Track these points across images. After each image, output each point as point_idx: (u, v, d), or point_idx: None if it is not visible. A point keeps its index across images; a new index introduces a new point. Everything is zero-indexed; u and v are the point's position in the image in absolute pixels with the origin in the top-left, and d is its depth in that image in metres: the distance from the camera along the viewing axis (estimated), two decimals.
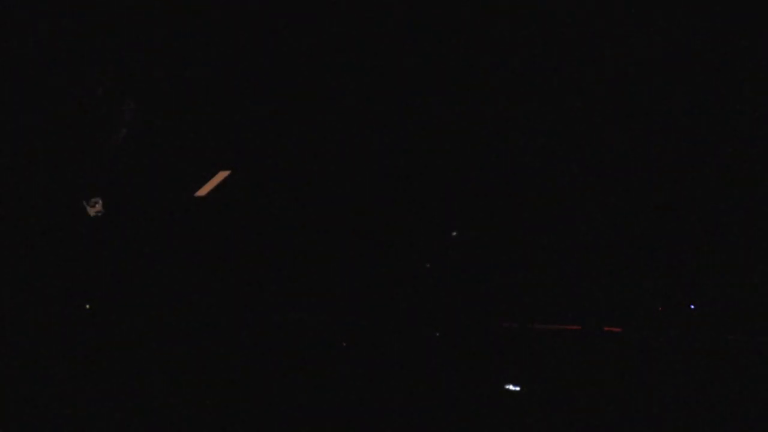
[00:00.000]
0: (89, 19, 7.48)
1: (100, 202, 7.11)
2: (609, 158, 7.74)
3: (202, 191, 7.58)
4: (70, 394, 6.36)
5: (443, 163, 7.79)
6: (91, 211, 7.09)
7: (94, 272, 7.21)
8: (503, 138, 7.79)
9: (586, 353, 7.17)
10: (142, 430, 6.16)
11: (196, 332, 7.17)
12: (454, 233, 7.58)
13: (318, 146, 7.79)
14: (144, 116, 7.55)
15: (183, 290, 7.39)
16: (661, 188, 7.69)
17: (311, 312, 7.44)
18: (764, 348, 7.12)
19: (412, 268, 7.61)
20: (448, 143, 7.80)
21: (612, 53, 7.71)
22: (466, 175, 7.78)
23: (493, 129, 7.80)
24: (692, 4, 7.65)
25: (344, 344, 7.24)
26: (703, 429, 6.38)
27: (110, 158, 7.18)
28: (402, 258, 7.63)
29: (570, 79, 7.74)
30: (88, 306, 7.06)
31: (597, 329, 7.39)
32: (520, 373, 6.92)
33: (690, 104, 7.68)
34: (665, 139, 7.72)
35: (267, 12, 7.80)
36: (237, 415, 6.32)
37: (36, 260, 7.14)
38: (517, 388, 6.80)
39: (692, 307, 7.46)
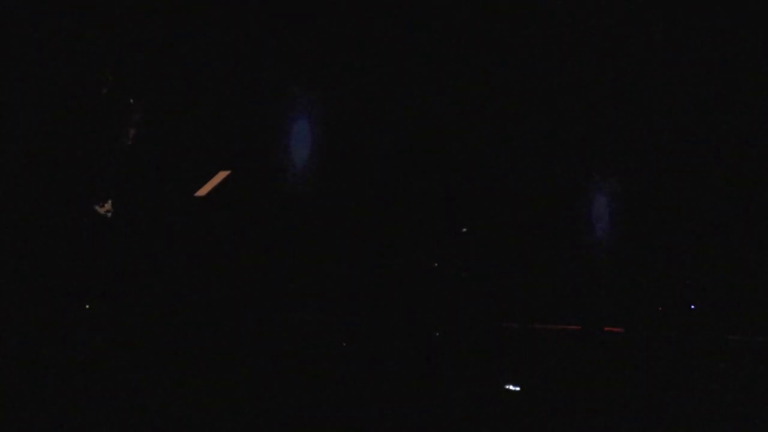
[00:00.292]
0: (89, 19, 7.49)
1: (110, 201, 7.12)
2: (609, 159, 7.74)
3: (202, 191, 7.58)
4: (70, 394, 6.36)
5: (444, 164, 7.79)
6: (101, 210, 7.10)
7: (94, 272, 7.21)
8: (503, 139, 7.80)
9: (586, 353, 7.17)
10: (142, 430, 6.16)
11: (197, 332, 7.17)
12: (464, 229, 7.58)
13: (318, 146, 7.79)
14: (144, 117, 7.55)
15: (183, 290, 7.38)
16: (662, 189, 7.69)
17: (311, 312, 7.44)
18: (764, 348, 7.12)
19: (412, 269, 7.61)
20: (448, 144, 7.80)
21: (612, 53, 7.72)
22: (467, 176, 7.78)
23: (494, 130, 7.80)
24: (692, 4, 7.65)
25: (344, 344, 7.24)
26: (703, 429, 6.38)
27: (119, 159, 7.19)
28: (402, 258, 7.64)
29: (571, 79, 7.74)
30: (87, 306, 7.06)
31: (597, 329, 7.39)
32: (520, 373, 6.92)
33: (690, 104, 7.68)
34: (665, 140, 7.72)
35: (267, 12, 7.80)
36: (237, 415, 6.31)
37: (36, 260, 7.14)
38: (517, 388, 6.80)
39: (692, 307, 7.46)
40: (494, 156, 7.78)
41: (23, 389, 6.30)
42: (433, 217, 7.73)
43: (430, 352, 7.21)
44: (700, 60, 7.65)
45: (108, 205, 7.15)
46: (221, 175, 7.61)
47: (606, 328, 7.40)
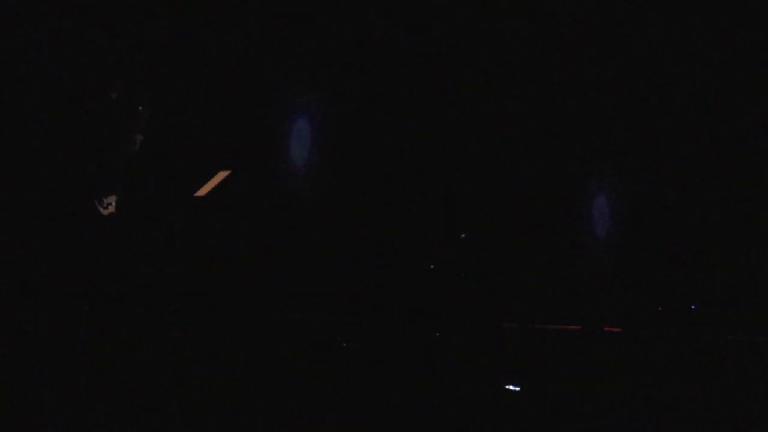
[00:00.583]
0: (89, 19, 7.49)
1: (113, 202, 7.12)
2: (610, 159, 7.75)
3: (202, 191, 7.59)
4: (70, 394, 6.36)
5: (443, 165, 7.80)
6: (101, 210, 7.10)
7: (94, 272, 7.21)
8: (504, 140, 7.80)
9: (586, 353, 7.17)
10: (143, 430, 6.16)
11: (196, 332, 7.17)
12: (463, 235, 7.58)
13: (318, 146, 7.80)
14: (144, 117, 7.56)
15: (183, 289, 7.39)
16: (662, 189, 7.69)
17: (311, 312, 7.44)
18: (764, 348, 7.12)
19: (412, 269, 7.61)
20: (448, 145, 7.80)
21: (612, 53, 7.72)
22: (467, 176, 7.78)
23: (494, 131, 7.80)
24: (692, 4, 7.66)
25: (344, 344, 7.24)
26: (704, 429, 6.38)
27: (119, 159, 7.19)
28: (402, 259, 7.64)
29: (572, 79, 7.74)
30: (87, 306, 7.07)
31: (597, 329, 7.39)
32: (520, 373, 6.92)
33: (690, 105, 7.69)
34: (665, 140, 7.72)
35: (267, 12, 7.80)
36: (237, 415, 6.31)
37: (36, 260, 7.15)
38: (517, 388, 6.80)
39: (692, 307, 7.46)
40: (494, 156, 7.79)
41: (23, 389, 6.30)
42: (433, 217, 7.73)
43: (430, 352, 7.21)
44: (700, 60, 7.66)
45: (109, 205, 7.15)
46: (221, 175, 7.62)
47: (606, 328, 7.40)
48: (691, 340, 7.24)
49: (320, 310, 7.45)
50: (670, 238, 7.62)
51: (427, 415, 6.31)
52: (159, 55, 7.65)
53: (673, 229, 7.64)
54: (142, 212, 7.49)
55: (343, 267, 7.61)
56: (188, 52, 7.73)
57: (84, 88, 7.31)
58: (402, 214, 7.73)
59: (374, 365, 7.04)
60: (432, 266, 7.60)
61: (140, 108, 7.04)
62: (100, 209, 7.03)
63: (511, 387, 6.83)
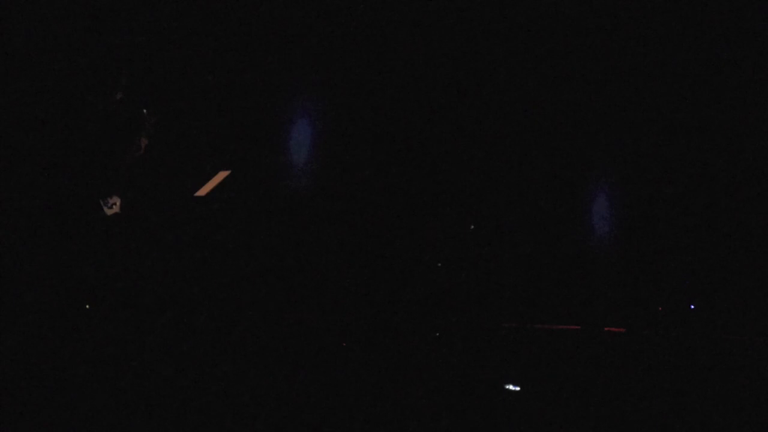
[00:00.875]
0: (90, 19, 7.49)
1: (118, 203, 7.13)
2: (610, 159, 7.74)
3: (202, 191, 7.59)
4: (70, 394, 6.36)
5: (444, 163, 7.79)
6: (109, 212, 7.11)
7: (94, 272, 7.21)
8: (504, 138, 7.79)
9: (586, 353, 7.17)
10: (143, 430, 6.16)
11: (197, 332, 7.17)
12: (472, 227, 7.58)
13: (318, 146, 7.79)
14: (144, 117, 7.56)
15: (183, 289, 7.38)
16: (662, 189, 7.69)
17: (312, 312, 7.44)
18: (764, 348, 7.12)
19: (412, 269, 7.61)
20: (448, 143, 7.80)
21: (612, 53, 7.72)
22: (467, 175, 7.78)
23: (494, 129, 7.80)
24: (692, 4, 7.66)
25: (344, 344, 7.24)
26: (704, 429, 6.38)
27: (119, 159, 7.20)
28: (402, 259, 7.63)
29: (571, 79, 7.74)
30: (87, 306, 7.07)
31: (597, 329, 7.39)
32: (520, 373, 6.92)
33: (691, 104, 7.68)
34: (665, 140, 7.72)
35: (267, 13, 7.80)
36: (237, 415, 6.31)
37: (36, 260, 7.15)
38: (517, 388, 6.80)
39: (692, 307, 7.46)
40: (495, 154, 7.78)
41: (23, 389, 6.30)
42: (433, 216, 7.73)
43: (430, 352, 7.21)
44: (700, 60, 7.65)
45: (114, 206, 7.15)
46: (221, 175, 7.62)
47: (606, 328, 7.40)
48: (691, 340, 7.24)
49: (320, 310, 7.45)
50: (670, 238, 7.61)
51: (427, 415, 6.31)
52: (159, 55, 7.66)
53: (672, 228, 7.63)
54: (141, 212, 7.49)
55: (343, 267, 7.60)
56: (189, 52, 7.73)
57: (87, 88, 7.31)
58: (402, 214, 7.72)
59: (374, 365, 7.04)
60: (432, 265, 7.60)
61: (145, 111, 7.06)
62: (105, 209, 7.03)
63: (511, 387, 6.83)
